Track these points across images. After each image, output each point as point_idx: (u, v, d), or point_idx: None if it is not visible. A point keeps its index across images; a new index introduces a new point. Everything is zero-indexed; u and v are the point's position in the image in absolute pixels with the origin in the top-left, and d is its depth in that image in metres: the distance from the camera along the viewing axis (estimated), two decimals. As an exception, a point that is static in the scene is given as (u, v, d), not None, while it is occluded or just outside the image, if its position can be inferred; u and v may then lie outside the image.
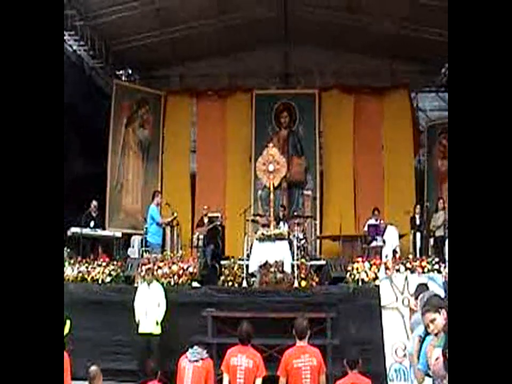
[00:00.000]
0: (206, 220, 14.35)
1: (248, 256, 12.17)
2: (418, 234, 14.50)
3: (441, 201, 14.70)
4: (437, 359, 4.36)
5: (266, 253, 11.63)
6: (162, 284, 11.15)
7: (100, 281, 12.02)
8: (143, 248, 14.09)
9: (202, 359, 7.25)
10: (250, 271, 11.74)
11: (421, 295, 6.59)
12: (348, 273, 11.47)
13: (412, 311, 9.02)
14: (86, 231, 13.86)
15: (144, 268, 11.46)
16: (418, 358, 5.35)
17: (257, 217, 14.64)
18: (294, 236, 13.06)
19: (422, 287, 7.57)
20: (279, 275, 11.40)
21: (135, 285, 11.45)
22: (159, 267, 11.84)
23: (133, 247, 14.67)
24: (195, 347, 7.41)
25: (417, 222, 14.78)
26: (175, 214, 14.04)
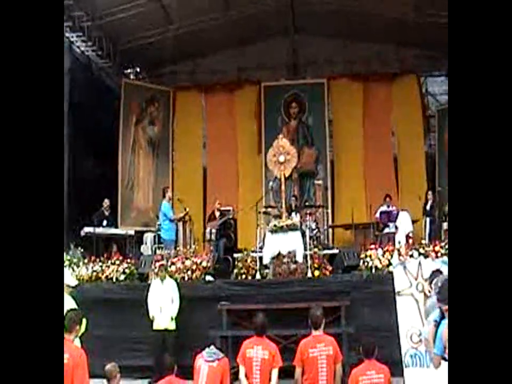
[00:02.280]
0: (217, 214, 14.36)
1: (261, 248, 12.18)
2: (428, 220, 14.44)
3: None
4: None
5: (279, 244, 11.61)
6: (176, 280, 11.19)
7: (114, 280, 12.06)
8: (156, 245, 14.16)
9: (218, 359, 7.25)
10: (263, 262, 11.73)
11: (435, 280, 6.56)
12: (361, 261, 11.43)
13: (426, 296, 8.99)
14: (99, 230, 13.96)
15: (157, 264, 11.50)
16: (434, 342, 5.33)
17: (269, 209, 14.64)
18: (306, 225, 13.04)
19: (437, 273, 7.53)
20: (292, 266, 11.38)
21: (149, 281, 11.49)
22: (173, 263, 11.90)
23: (146, 244, 14.72)
24: (211, 347, 7.43)
25: (428, 207, 14.74)
26: (187, 209, 14.08)
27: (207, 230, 14.20)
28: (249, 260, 12.14)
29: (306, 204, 16.09)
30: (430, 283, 7.34)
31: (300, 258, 11.40)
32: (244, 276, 11.89)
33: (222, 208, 14.72)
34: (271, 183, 16.06)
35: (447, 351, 4.66)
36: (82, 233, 13.73)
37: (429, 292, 8.90)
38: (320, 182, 17.01)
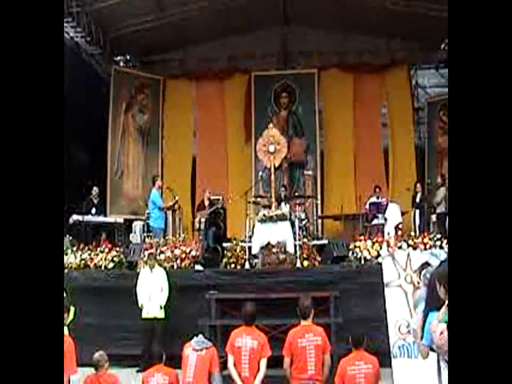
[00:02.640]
0: (207, 203, 14.35)
1: (250, 237, 12.17)
2: (417, 212, 14.52)
3: (442, 177, 14.72)
4: (441, 333, 4.36)
5: (268, 234, 11.61)
6: (165, 268, 11.18)
7: (102, 268, 12.00)
8: (145, 234, 14.13)
9: (206, 348, 7.25)
10: (252, 252, 11.73)
11: (424, 271, 6.60)
12: (350, 252, 11.47)
13: (415, 287, 9.03)
14: (88, 218, 13.92)
15: (146, 252, 11.49)
16: (422, 333, 5.35)
17: (259, 199, 14.62)
18: (295, 216, 13.01)
19: (426, 266, 7.57)
20: (281, 256, 11.39)
21: (138, 270, 11.46)
22: (162, 251, 11.88)
23: (135, 232, 14.66)
24: (199, 336, 7.43)
25: (417, 199, 14.82)
26: (177, 198, 14.07)
27: (196, 219, 14.20)
28: (238, 249, 12.14)
29: (296, 194, 16.12)
30: (419, 274, 7.37)
31: (289, 249, 11.42)
32: (233, 265, 11.89)
33: (212, 197, 14.70)
34: (260, 173, 16.04)
35: (435, 341, 4.66)
36: (70, 221, 13.66)
37: (418, 283, 8.96)
38: (309, 172, 17.06)
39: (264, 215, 11.94)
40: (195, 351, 7.21)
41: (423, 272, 6.71)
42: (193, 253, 11.97)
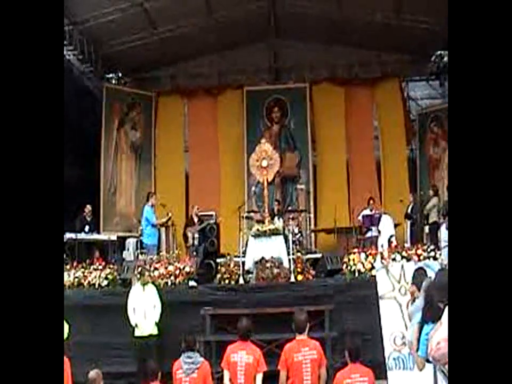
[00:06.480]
0: (195, 219, 14.32)
1: (243, 253, 12.16)
2: (408, 223, 14.56)
3: (433, 188, 14.80)
4: (437, 344, 4.32)
5: (262, 248, 11.62)
6: (158, 285, 11.15)
7: (96, 286, 11.94)
8: (138, 251, 14.07)
9: (197, 368, 7.09)
10: (246, 267, 11.70)
11: (423, 283, 6.56)
12: (344, 265, 11.45)
13: (410, 299, 9.02)
14: (81, 236, 13.87)
15: (139, 269, 11.44)
16: (418, 345, 5.33)
17: (252, 214, 14.63)
18: (289, 230, 13.02)
19: (420, 272, 7.54)
20: (275, 270, 11.36)
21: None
22: (155, 268, 11.82)
23: (128, 249, 14.57)
24: (189, 353, 7.23)
25: (409, 210, 14.86)
26: (170, 215, 14.05)
27: (189, 235, 14.16)
28: (232, 265, 12.08)
29: (289, 208, 16.13)
30: (413, 283, 7.33)
31: (283, 263, 11.41)
32: (227, 281, 11.82)
33: (201, 213, 14.69)
34: (253, 188, 16.06)
35: (432, 353, 4.63)
36: (64, 239, 13.61)
37: (411, 293, 8.95)
38: (302, 186, 17.08)
39: (257, 230, 11.96)
40: (187, 375, 7.07)
41: (421, 284, 6.67)
42: (187, 269, 11.91)
